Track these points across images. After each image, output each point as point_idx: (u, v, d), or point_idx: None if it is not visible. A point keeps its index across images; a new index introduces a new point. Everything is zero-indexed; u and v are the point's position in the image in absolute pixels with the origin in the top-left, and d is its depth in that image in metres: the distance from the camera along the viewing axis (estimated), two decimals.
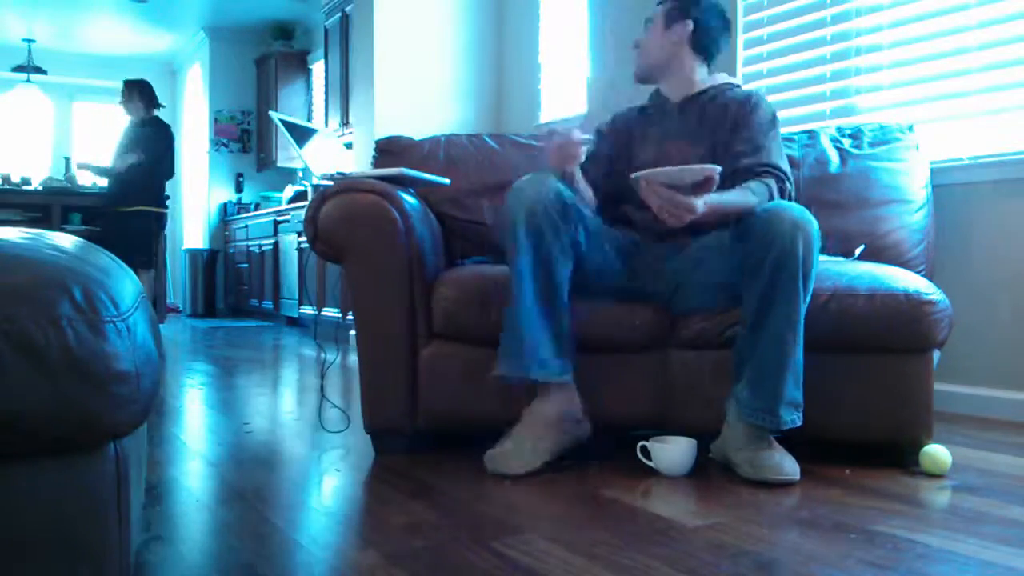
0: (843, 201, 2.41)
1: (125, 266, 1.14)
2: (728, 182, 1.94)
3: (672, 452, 1.88)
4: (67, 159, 7.03)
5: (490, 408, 1.97)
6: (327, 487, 1.91)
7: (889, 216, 2.38)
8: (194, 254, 8.39)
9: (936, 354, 1.99)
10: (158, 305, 6.12)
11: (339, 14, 6.28)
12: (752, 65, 3.39)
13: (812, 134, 2.57)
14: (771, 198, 1.97)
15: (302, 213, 3.61)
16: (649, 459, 1.89)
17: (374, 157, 2.68)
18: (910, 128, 2.52)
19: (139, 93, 5.65)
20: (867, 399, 1.96)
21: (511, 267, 1.91)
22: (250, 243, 7.72)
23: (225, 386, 3.56)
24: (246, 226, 7.84)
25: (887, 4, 2.95)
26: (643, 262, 2.11)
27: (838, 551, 1.38)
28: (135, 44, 8.91)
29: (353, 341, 2.56)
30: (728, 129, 2.12)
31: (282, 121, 2.55)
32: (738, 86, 2.25)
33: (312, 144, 2.73)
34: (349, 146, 5.18)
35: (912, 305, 1.90)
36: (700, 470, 1.90)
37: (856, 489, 1.77)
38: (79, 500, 0.96)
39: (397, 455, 2.11)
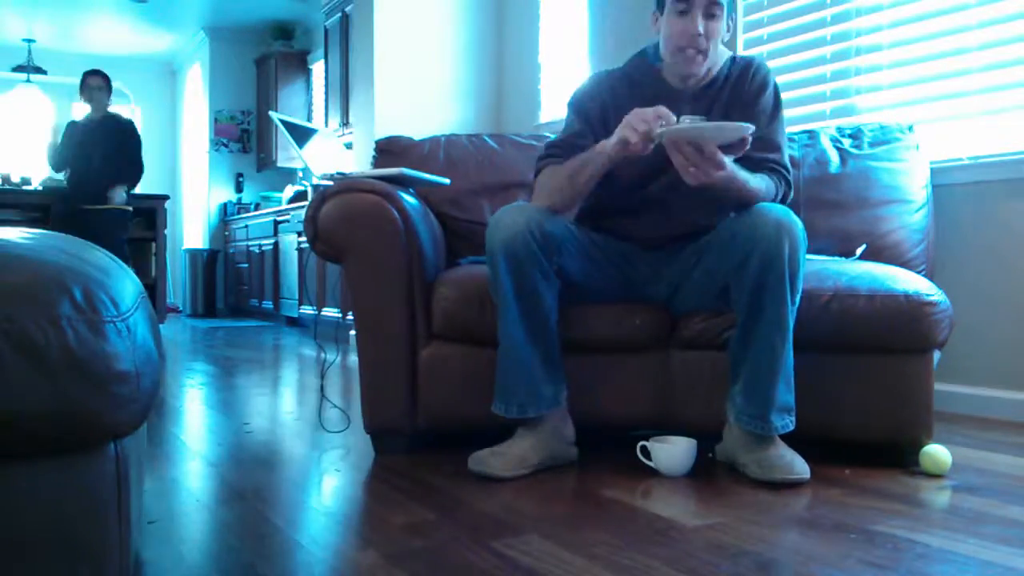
0: (843, 201, 2.41)
1: (125, 266, 1.14)
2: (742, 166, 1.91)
3: (672, 452, 1.88)
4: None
5: (490, 408, 1.96)
6: (327, 487, 1.91)
7: (889, 216, 2.38)
8: (194, 254, 8.39)
9: (936, 354, 1.99)
10: (156, 304, 6.11)
11: (339, 14, 6.28)
12: None
13: (812, 134, 2.57)
14: (775, 199, 1.97)
15: (302, 213, 3.61)
16: (649, 459, 1.89)
17: (374, 157, 2.68)
18: (910, 128, 2.52)
19: (109, 85, 5.53)
20: (867, 399, 1.96)
21: (497, 303, 1.91)
22: (250, 243, 7.72)
23: (225, 386, 3.56)
24: (246, 226, 7.84)
25: (887, 4, 2.95)
26: (640, 269, 2.09)
27: (838, 551, 1.38)
28: (135, 44, 8.91)
29: (353, 341, 2.56)
30: (740, 108, 2.03)
31: (282, 121, 2.55)
32: (735, 56, 2.12)
33: (312, 144, 2.73)
34: (349, 146, 5.18)
35: (912, 306, 1.90)
36: (700, 470, 1.90)
37: (856, 489, 1.77)
38: (79, 500, 0.96)
39: (397, 455, 2.11)
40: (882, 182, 2.42)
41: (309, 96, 7.97)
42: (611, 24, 4.08)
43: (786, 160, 2.04)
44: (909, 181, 2.42)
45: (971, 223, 2.70)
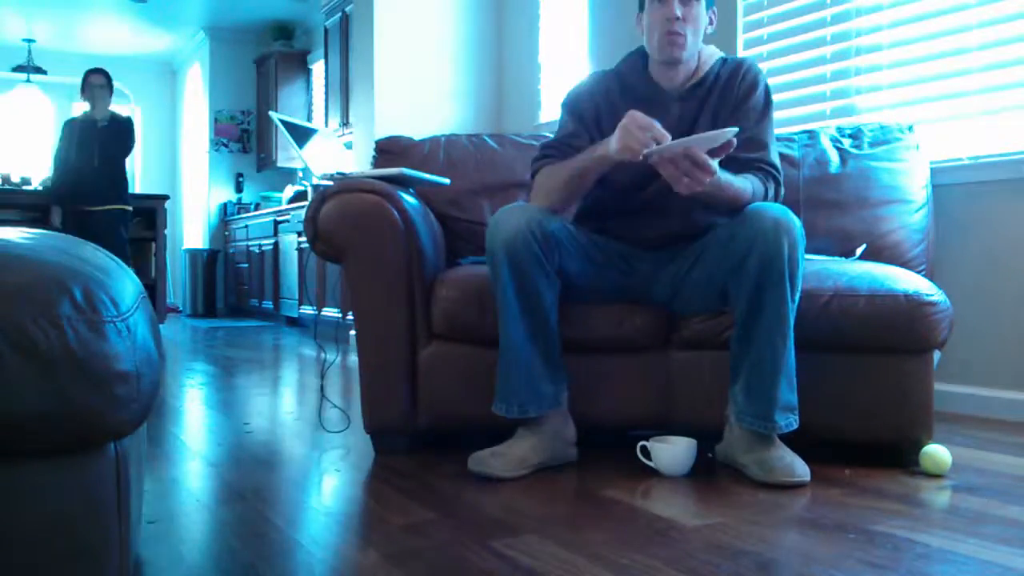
0: (843, 201, 2.41)
1: (125, 266, 1.14)
2: (726, 168, 1.91)
3: (672, 452, 1.88)
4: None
5: (490, 408, 1.96)
6: (327, 487, 1.91)
7: (889, 216, 2.38)
8: (194, 254, 8.39)
9: (936, 354, 1.99)
10: (156, 304, 6.11)
11: (339, 14, 6.29)
12: None
13: (812, 134, 2.57)
14: (764, 199, 1.97)
15: (302, 213, 3.61)
16: (649, 459, 1.89)
17: (374, 157, 2.68)
18: (910, 128, 2.52)
19: (111, 84, 5.50)
20: (867, 399, 1.96)
21: (498, 304, 1.92)
22: (250, 243, 7.72)
23: (225, 386, 3.56)
24: (246, 226, 7.84)
25: (887, 4, 2.95)
26: (640, 269, 2.09)
27: (838, 551, 1.38)
28: (135, 44, 8.91)
29: (353, 341, 2.56)
30: (729, 109, 2.04)
31: (282, 121, 2.55)
32: (726, 57, 2.13)
33: (312, 144, 2.73)
34: (349, 146, 5.18)
35: (912, 306, 1.90)
36: (700, 470, 1.90)
37: (856, 489, 1.77)
38: (79, 500, 0.96)
39: (397, 455, 2.11)
40: (882, 182, 2.42)
41: (309, 96, 7.97)
42: (611, 24, 4.08)
43: (773, 158, 2.04)
44: (909, 181, 2.42)
45: (971, 223, 2.70)
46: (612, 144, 1.86)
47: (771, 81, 3.21)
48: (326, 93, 6.69)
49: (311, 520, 1.64)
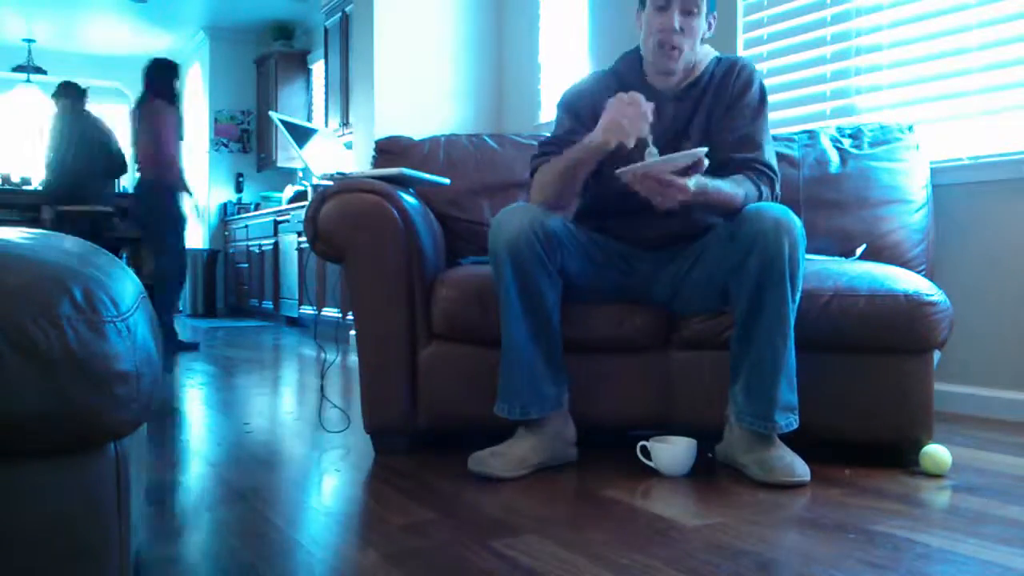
0: (843, 201, 2.41)
1: (125, 266, 1.14)
2: (720, 171, 1.92)
3: (672, 452, 1.88)
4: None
5: (490, 408, 1.97)
6: (327, 487, 1.91)
7: (889, 216, 2.38)
8: (194, 254, 8.37)
9: (936, 354, 1.99)
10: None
11: (339, 14, 6.29)
12: None
13: (812, 134, 2.57)
14: (759, 200, 1.96)
15: (302, 213, 3.61)
16: (649, 459, 1.89)
17: (374, 157, 2.68)
18: (910, 128, 2.52)
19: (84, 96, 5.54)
20: (867, 399, 1.96)
21: (500, 304, 1.92)
22: (250, 243, 7.72)
23: (225, 386, 3.56)
24: (246, 226, 7.84)
25: (887, 4, 2.95)
26: (640, 269, 2.09)
27: (838, 551, 1.38)
28: (135, 44, 8.91)
29: (353, 341, 2.56)
30: (723, 108, 2.04)
31: (282, 121, 2.55)
32: (720, 57, 2.12)
33: (312, 144, 2.73)
34: (349, 146, 5.18)
35: (912, 306, 1.90)
36: (700, 470, 1.90)
37: (856, 489, 1.77)
38: (79, 500, 0.96)
39: (397, 455, 2.11)
40: (882, 182, 2.42)
41: (309, 96, 7.98)
42: (611, 24, 4.08)
43: (768, 158, 2.03)
44: (909, 181, 2.42)
45: (971, 223, 2.70)
46: (598, 135, 1.88)
47: (771, 81, 3.23)
48: (326, 93, 6.69)
49: (311, 520, 1.64)
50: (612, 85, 2.10)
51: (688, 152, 1.80)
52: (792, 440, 1.86)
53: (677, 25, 1.96)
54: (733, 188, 1.92)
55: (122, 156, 5.55)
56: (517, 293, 1.89)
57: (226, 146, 8.54)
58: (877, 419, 1.96)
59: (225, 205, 8.53)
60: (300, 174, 8.01)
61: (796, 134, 2.59)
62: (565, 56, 4.51)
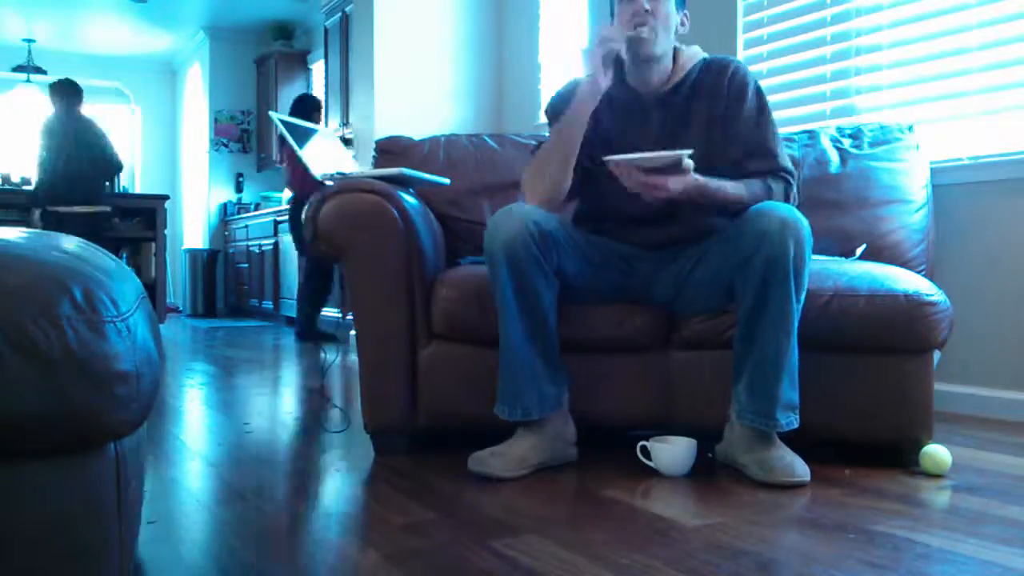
0: (843, 201, 2.41)
1: (125, 266, 1.14)
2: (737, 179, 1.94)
3: (672, 452, 1.88)
4: None
5: (490, 408, 1.97)
6: (327, 487, 1.91)
7: (889, 216, 2.38)
8: (194, 254, 8.39)
9: (936, 354, 1.99)
10: (156, 305, 6.11)
11: (339, 14, 6.29)
12: (752, 65, 3.38)
13: (812, 134, 2.57)
14: (770, 197, 1.96)
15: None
16: (649, 459, 1.89)
17: (374, 157, 2.68)
18: (910, 128, 2.52)
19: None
20: (867, 399, 1.96)
21: (497, 305, 1.92)
22: (250, 243, 7.72)
23: (225, 386, 3.56)
24: (246, 226, 7.84)
25: (887, 4, 2.95)
26: (640, 270, 2.09)
27: (838, 551, 1.38)
28: (135, 44, 8.91)
29: (353, 341, 2.56)
30: (721, 116, 2.01)
31: (282, 121, 2.55)
32: (709, 59, 2.07)
33: (312, 144, 2.73)
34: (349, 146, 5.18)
35: (912, 306, 1.90)
36: (700, 470, 1.90)
37: (856, 489, 1.77)
38: (79, 500, 0.96)
39: (397, 455, 2.11)
40: (882, 182, 2.42)
41: None
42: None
43: (784, 162, 2.02)
44: (909, 181, 2.42)
45: (971, 223, 2.70)
46: (584, 89, 1.92)
47: (771, 81, 3.23)
48: (326, 93, 6.69)
49: (311, 520, 1.64)
50: (604, 97, 2.07)
51: (669, 153, 1.81)
52: (792, 440, 1.86)
53: (646, 4, 1.95)
54: (737, 189, 1.92)
55: (116, 157, 5.55)
56: (513, 294, 1.88)
57: (226, 146, 8.54)
58: (877, 419, 1.96)
59: (225, 205, 8.52)
60: None
61: (796, 134, 2.59)
62: (565, 56, 4.51)
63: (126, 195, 6.54)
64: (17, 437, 0.89)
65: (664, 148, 1.90)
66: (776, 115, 2.14)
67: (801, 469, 1.79)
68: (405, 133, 2.74)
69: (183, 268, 8.58)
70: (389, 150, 2.64)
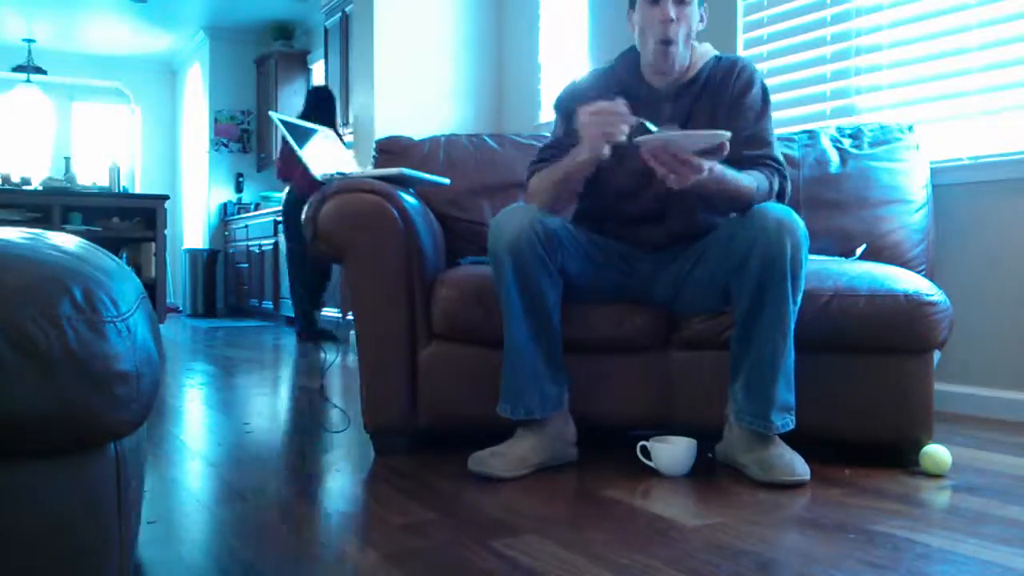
0: (843, 201, 2.41)
1: (126, 266, 1.14)
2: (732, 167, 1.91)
3: (672, 452, 1.88)
4: (67, 159, 7.03)
5: (490, 408, 1.97)
6: (327, 487, 1.91)
7: (889, 216, 2.38)
8: (194, 254, 8.38)
9: (936, 354, 1.99)
10: (156, 305, 6.10)
11: (339, 14, 6.28)
12: None
13: (812, 134, 2.57)
14: (770, 194, 1.96)
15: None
16: (649, 459, 1.89)
17: (374, 157, 2.68)
18: (910, 128, 2.52)
19: None
20: (867, 399, 1.96)
21: (502, 305, 1.92)
22: (250, 243, 7.72)
23: (225, 386, 3.56)
24: (246, 226, 7.84)
25: (887, 4, 2.95)
26: (640, 270, 2.09)
27: (838, 551, 1.38)
28: (135, 44, 8.91)
29: (353, 341, 2.56)
30: (725, 109, 2.02)
31: (282, 121, 2.55)
32: (720, 56, 2.11)
33: (312, 144, 2.73)
34: (350, 146, 5.18)
35: (912, 306, 1.90)
36: (700, 470, 1.90)
37: (856, 489, 1.77)
38: (79, 500, 0.96)
39: (397, 455, 2.11)
40: (882, 182, 2.42)
41: None
42: (611, 24, 4.08)
43: (776, 154, 2.03)
44: (909, 181, 2.42)
45: (971, 223, 2.70)
46: (583, 146, 1.86)
47: (771, 81, 3.23)
48: None
49: (311, 520, 1.64)
50: (611, 84, 2.09)
51: (711, 132, 1.78)
52: (792, 440, 1.86)
53: (672, 14, 1.94)
54: (748, 180, 1.91)
55: None
56: (518, 294, 1.88)
57: (226, 146, 8.54)
58: (877, 419, 1.96)
59: (225, 205, 8.52)
60: None
61: (796, 134, 2.59)
62: (565, 56, 4.51)
63: (126, 195, 6.54)
64: (17, 437, 0.89)
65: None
66: (776, 115, 2.16)
67: (801, 468, 1.79)
68: (405, 133, 2.74)
69: (183, 268, 8.58)
70: (389, 150, 2.64)
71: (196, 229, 8.99)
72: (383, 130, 3.83)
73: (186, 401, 3.12)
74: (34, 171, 7.36)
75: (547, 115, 4.58)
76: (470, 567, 1.32)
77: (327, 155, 2.85)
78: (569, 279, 1.97)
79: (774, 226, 1.79)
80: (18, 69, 8.33)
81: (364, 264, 2.12)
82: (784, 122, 3.13)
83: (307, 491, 1.88)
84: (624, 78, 2.10)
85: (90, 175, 7.51)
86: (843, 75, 3.08)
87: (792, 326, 1.82)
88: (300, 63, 8.01)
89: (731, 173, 1.87)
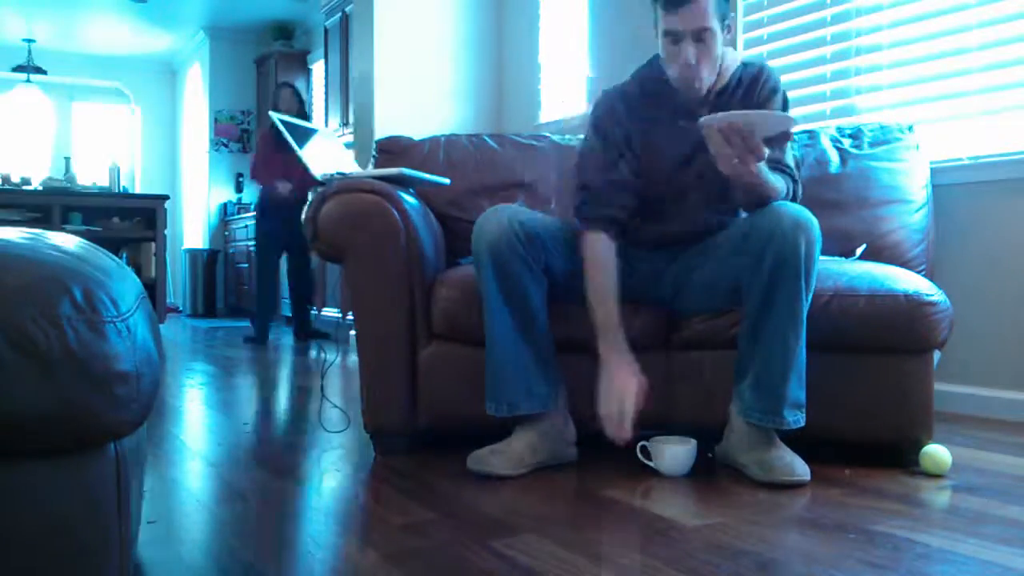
0: (843, 201, 2.41)
1: (125, 266, 1.14)
2: None
3: (672, 452, 1.88)
4: (67, 159, 7.03)
5: None
6: (327, 487, 1.91)
7: (889, 216, 2.38)
8: (194, 254, 8.38)
9: (936, 354, 1.99)
10: (156, 305, 6.10)
11: (339, 14, 6.28)
12: None
13: (812, 134, 2.57)
14: (787, 198, 1.96)
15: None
16: (649, 459, 1.89)
17: (374, 157, 2.68)
18: (910, 128, 2.52)
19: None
20: (867, 399, 1.96)
21: (483, 303, 1.92)
22: (250, 243, 7.70)
23: (225, 386, 3.56)
24: (246, 226, 7.83)
25: (887, 4, 2.95)
26: (640, 269, 2.09)
27: (838, 551, 1.38)
28: (135, 44, 8.92)
29: (353, 341, 2.56)
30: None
31: (282, 121, 2.55)
32: (746, 63, 2.10)
33: (312, 144, 2.72)
34: (350, 146, 5.17)
35: (912, 306, 1.90)
36: (700, 470, 1.90)
37: (856, 489, 1.77)
38: (79, 500, 0.96)
39: (397, 455, 2.11)
40: (882, 182, 2.42)
41: (309, 96, 7.97)
42: (611, 24, 4.08)
43: (788, 159, 2.03)
44: (909, 181, 2.42)
45: (971, 223, 2.70)
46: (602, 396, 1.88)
47: None
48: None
49: (311, 520, 1.64)
50: (636, 104, 2.06)
51: (783, 114, 1.76)
52: (792, 440, 1.86)
53: (692, 59, 1.91)
54: (777, 181, 1.91)
55: None
56: (498, 292, 1.90)
57: (226, 146, 8.54)
58: (877, 419, 1.96)
59: (225, 205, 8.52)
60: None
61: (796, 134, 2.59)
62: (565, 56, 4.51)
63: (126, 195, 6.53)
64: (17, 437, 0.89)
65: (702, 141, 1.84)
66: None
67: (801, 469, 1.79)
68: (405, 133, 2.74)
69: (183, 268, 8.58)
70: (389, 150, 2.64)
71: (196, 229, 8.99)
72: (383, 130, 3.83)
73: (186, 401, 3.12)
74: (34, 171, 7.36)
75: (547, 115, 4.58)
76: (470, 567, 1.32)
77: (327, 155, 2.84)
78: (555, 279, 1.97)
79: (790, 224, 1.79)
80: (18, 69, 8.34)
81: (364, 264, 2.12)
82: None
83: (307, 491, 1.88)
84: (651, 91, 2.06)
85: (90, 175, 7.52)
86: (843, 75, 3.08)
87: (803, 324, 1.82)
88: (300, 63, 8.01)
89: (766, 170, 1.86)
